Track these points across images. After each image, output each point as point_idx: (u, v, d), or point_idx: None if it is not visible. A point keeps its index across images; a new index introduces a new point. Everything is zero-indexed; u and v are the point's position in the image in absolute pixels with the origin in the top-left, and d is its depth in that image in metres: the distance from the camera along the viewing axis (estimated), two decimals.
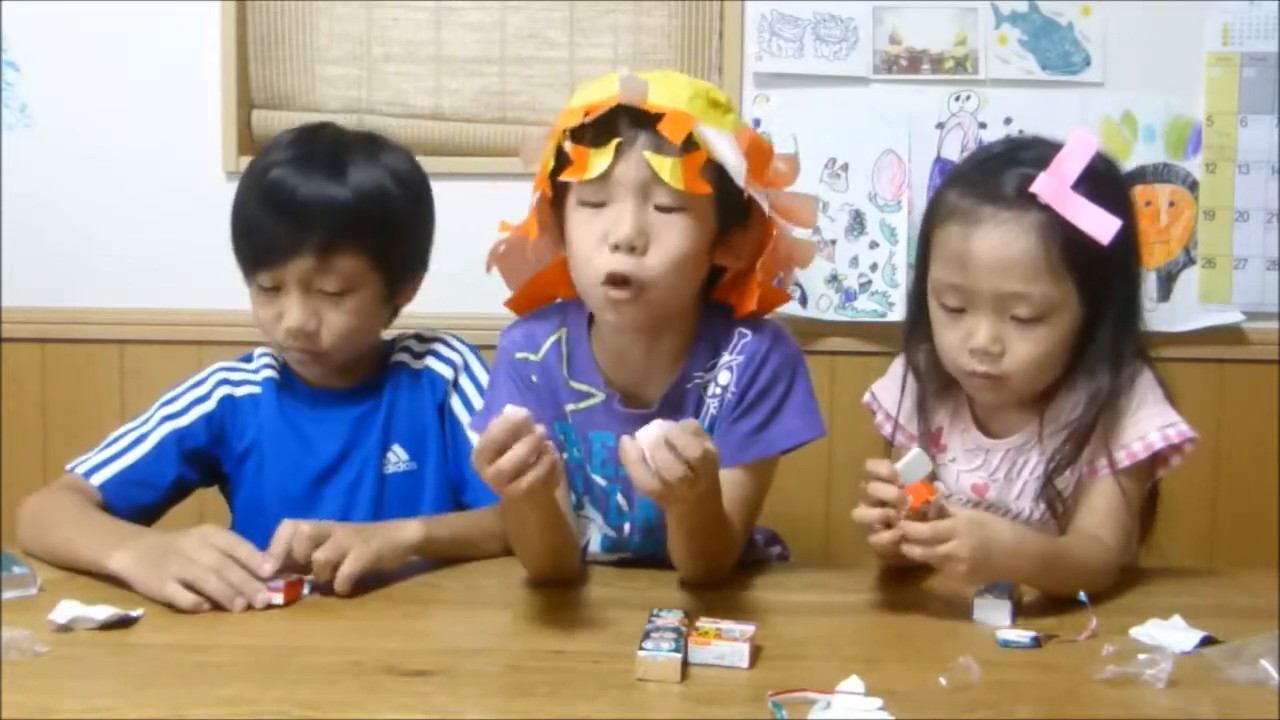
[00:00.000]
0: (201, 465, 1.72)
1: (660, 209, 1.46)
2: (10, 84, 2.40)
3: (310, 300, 1.63)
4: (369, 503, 1.70)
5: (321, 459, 1.72)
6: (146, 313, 2.42)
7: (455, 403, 1.73)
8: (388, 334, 1.80)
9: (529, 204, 1.57)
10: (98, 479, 1.64)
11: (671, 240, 1.46)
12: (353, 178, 1.63)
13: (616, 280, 1.45)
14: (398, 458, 1.72)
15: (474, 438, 1.69)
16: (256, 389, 1.74)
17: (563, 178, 1.48)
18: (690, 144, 1.44)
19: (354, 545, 1.44)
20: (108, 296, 2.43)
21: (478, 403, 1.70)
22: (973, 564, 1.33)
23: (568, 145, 1.47)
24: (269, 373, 1.75)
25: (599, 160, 1.44)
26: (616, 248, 1.44)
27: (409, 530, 1.53)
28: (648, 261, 1.45)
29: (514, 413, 1.29)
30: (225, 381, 1.74)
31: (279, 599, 1.38)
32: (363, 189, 1.63)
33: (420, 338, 1.78)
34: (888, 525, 1.36)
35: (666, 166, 1.42)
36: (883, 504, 1.37)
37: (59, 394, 2.45)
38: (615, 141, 1.44)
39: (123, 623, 1.33)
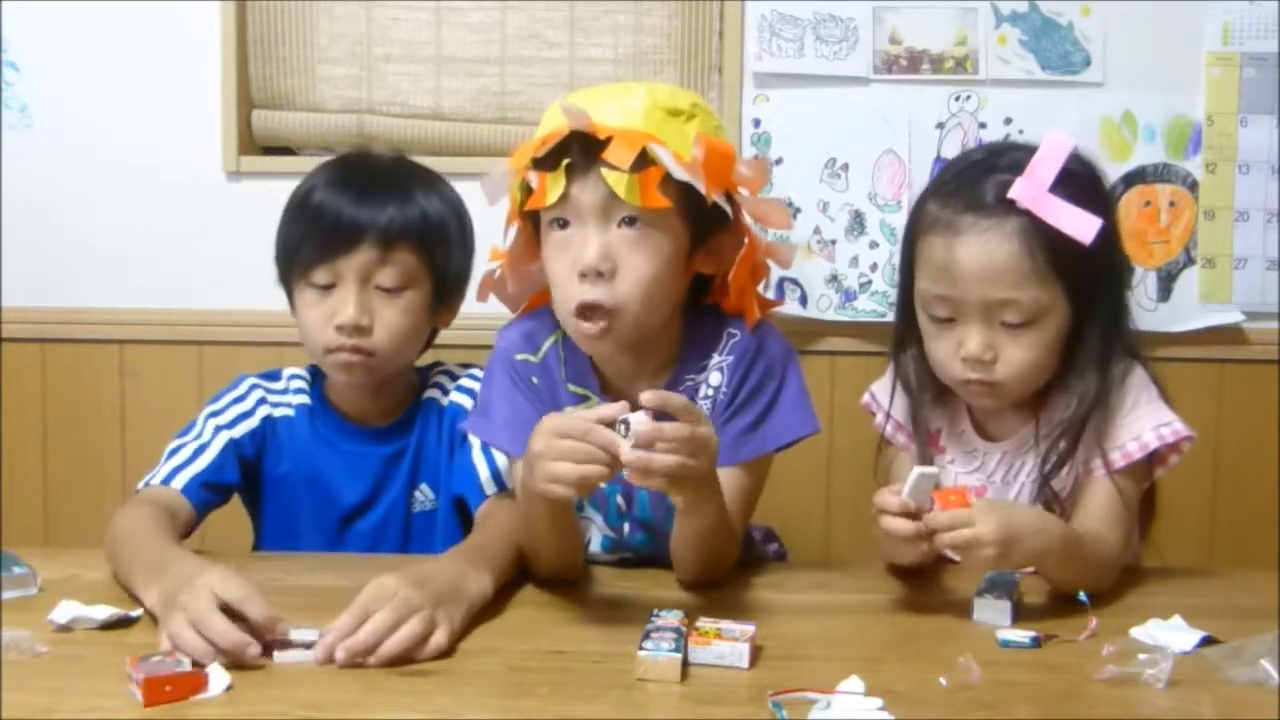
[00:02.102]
0: (246, 476, 1.71)
1: (625, 224, 1.46)
2: (10, 84, 2.40)
3: (365, 296, 1.64)
4: (396, 542, 1.71)
5: (351, 497, 1.71)
6: (146, 313, 2.42)
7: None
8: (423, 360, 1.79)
9: (508, 238, 1.60)
10: (177, 483, 1.62)
11: (639, 261, 1.46)
12: (411, 185, 1.70)
13: (588, 310, 1.46)
14: (424, 496, 1.72)
15: (475, 442, 1.68)
16: (290, 412, 1.73)
17: (526, 208, 1.51)
18: (648, 159, 1.44)
19: (442, 621, 1.28)
20: (108, 296, 2.43)
21: None
22: (1001, 544, 1.32)
23: (531, 176, 1.48)
24: (302, 398, 1.74)
25: (554, 185, 1.45)
26: (584, 275, 1.46)
27: (484, 587, 1.39)
28: (618, 287, 1.45)
29: (617, 409, 1.28)
30: (264, 401, 1.73)
31: (138, 695, 1.13)
32: (422, 196, 1.69)
33: (452, 374, 1.78)
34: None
35: (623, 184, 1.42)
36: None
37: (59, 394, 2.44)
38: (564, 163, 1.44)
39: (123, 623, 1.33)
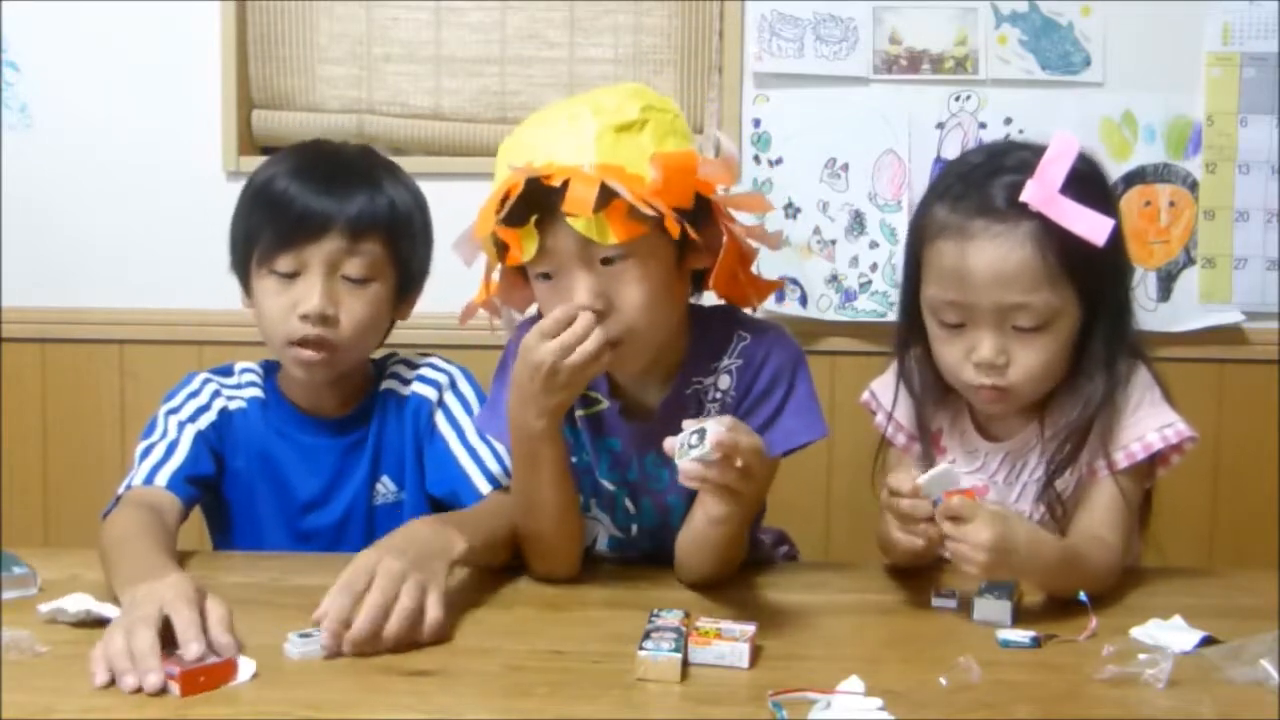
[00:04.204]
0: (218, 468, 1.70)
1: (608, 262, 1.42)
2: (10, 84, 2.41)
3: (331, 286, 1.62)
4: (359, 535, 1.68)
5: (308, 489, 1.70)
6: (146, 313, 2.42)
7: (440, 419, 1.70)
8: (378, 352, 1.77)
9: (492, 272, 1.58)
10: (160, 480, 1.60)
11: (633, 292, 1.43)
12: (379, 175, 1.68)
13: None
14: (386, 489, 1.71)
15: (449, 437, 1.68)
16: (243, 404, 1.71)
17: (507, 264, 1.48)
18: (612, 190, 1.39)
19: (431, 588, 1.30)
20: (108, 296, 2.43)
21: (463, 419, 1.68)
22: (994, 554, 1.32)
23: (501, 233, 1.44)
24: (254, 391, 1.72)
25: (528, 241, 1.42)
26: None
27: (457, 547, 1.39)
28: (620, 321, 1.43)
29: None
30: (218, 394, 1.71)
31: (175, 689, 1.16)
32: (390, 186, 1.68)
33: (409, 363, 1.76)
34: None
35: (592, 228, 1.39)
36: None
37: (59, 394, 2.45)
38: (533, 219, 1.41)
39: (100, 621, 1.30)
